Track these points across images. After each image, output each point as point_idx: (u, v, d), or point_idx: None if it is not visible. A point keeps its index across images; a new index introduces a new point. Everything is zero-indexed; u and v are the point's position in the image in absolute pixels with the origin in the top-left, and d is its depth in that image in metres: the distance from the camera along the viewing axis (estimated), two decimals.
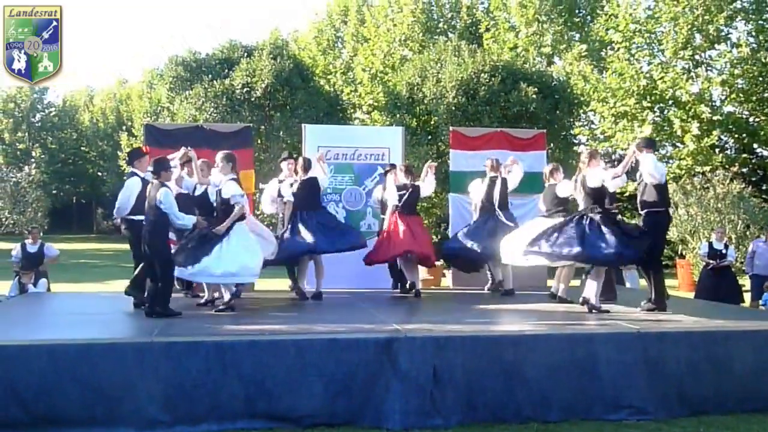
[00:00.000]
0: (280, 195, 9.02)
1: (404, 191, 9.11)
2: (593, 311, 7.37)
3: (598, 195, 7.45)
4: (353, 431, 5.54)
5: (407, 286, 9.33)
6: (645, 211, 7.69)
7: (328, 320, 7.09)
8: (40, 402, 5.37)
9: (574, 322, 6.94)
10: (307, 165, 8.80)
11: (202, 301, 8.02)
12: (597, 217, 7.30)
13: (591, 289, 7.50)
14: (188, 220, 7.25)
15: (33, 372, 5.39)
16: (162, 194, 6.90)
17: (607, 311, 7.46)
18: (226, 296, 7.50)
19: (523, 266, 8.28)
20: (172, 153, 8.11)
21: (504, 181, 9.27)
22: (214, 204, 7.74)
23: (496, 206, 9.16)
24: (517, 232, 8.41)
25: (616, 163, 13.80)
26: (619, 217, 8.91)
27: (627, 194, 17.89)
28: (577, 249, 7.19)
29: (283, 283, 9.73)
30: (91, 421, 5.38)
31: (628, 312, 7.56)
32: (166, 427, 5.43)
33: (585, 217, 7.38)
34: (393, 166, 9.72)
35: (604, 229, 7.20)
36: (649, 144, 7.86)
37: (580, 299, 7.58)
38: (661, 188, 7.66)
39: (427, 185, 9.36)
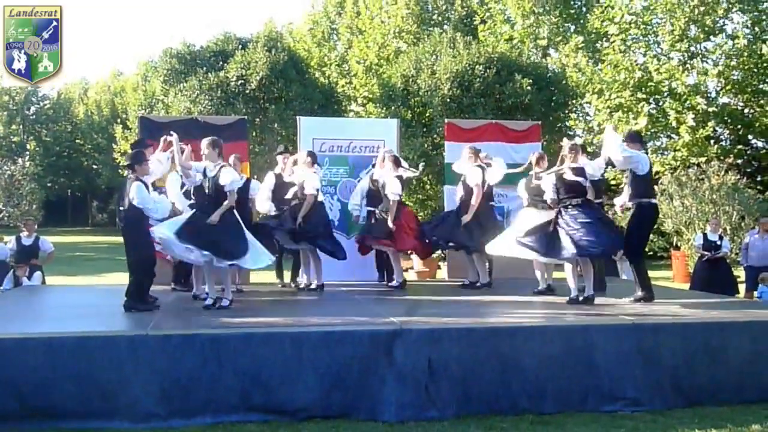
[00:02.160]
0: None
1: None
2: (579, 302, 7.44)
3: (578, 188, 7.46)
4: (349, 424, 5.54)
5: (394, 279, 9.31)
6: (633, 202, 7.70)
7: (324, 313, 7.08)
8: (36, 395, 5.37)
9: (569, 313, 6.95)
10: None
11: (201, 295, 7.72)
12: (578, 210, 7.31)
13: (572, 284, 7.59)
14: (162, 210, 7.06)
15: (29, 365, 5.39)
16: (134, 189, 6.77)
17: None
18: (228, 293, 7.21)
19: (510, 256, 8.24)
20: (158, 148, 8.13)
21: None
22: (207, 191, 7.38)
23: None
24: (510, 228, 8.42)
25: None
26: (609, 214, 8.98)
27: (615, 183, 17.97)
28: (567, 249, 7.20)
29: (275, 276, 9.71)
30: (87, 414, 5.39)
31: (623, 303, 7.55)
32: (161, 420, 5.43)
33: (567, 210, 7.38)
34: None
35: (586, 221, 7.21)
36: (632, 137, 7.80)
37: (568, 299, 7.60)
38: (646, 179, 7.68)
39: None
